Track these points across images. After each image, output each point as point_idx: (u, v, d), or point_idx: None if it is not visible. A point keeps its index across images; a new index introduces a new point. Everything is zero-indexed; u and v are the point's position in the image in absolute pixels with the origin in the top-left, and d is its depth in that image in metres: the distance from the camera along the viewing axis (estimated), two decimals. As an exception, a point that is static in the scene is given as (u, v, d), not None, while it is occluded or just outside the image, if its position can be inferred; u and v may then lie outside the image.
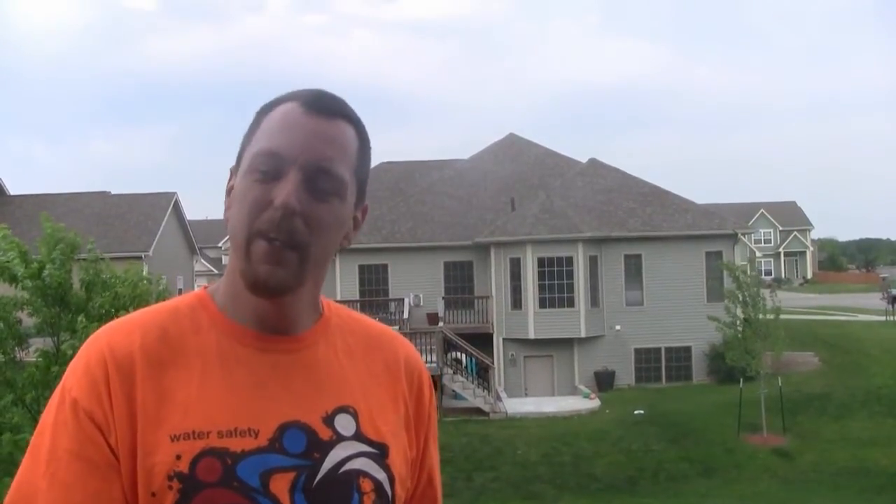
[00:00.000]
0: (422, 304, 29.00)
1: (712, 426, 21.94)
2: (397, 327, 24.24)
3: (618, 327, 28.30)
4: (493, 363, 25.99)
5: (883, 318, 36.81)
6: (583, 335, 27.70)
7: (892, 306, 37.38)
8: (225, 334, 1.14)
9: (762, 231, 71.90)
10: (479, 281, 29.52)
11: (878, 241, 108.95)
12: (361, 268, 29.29)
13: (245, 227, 1.09)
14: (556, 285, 27.57)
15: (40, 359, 10.47)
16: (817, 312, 40.44)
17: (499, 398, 25.31)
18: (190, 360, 1.11)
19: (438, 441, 1.36)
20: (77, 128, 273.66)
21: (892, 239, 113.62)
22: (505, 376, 27.72)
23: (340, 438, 1.12)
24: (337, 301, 1.31)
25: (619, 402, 25.29)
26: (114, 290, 11.06)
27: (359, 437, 1.14)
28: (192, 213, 40.90)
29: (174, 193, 35.16)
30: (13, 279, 10.78)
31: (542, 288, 27.58)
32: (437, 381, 23.34)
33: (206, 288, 1.22)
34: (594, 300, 28.08)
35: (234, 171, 1.17)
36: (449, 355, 24.87)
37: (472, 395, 24.55)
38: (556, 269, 27.60)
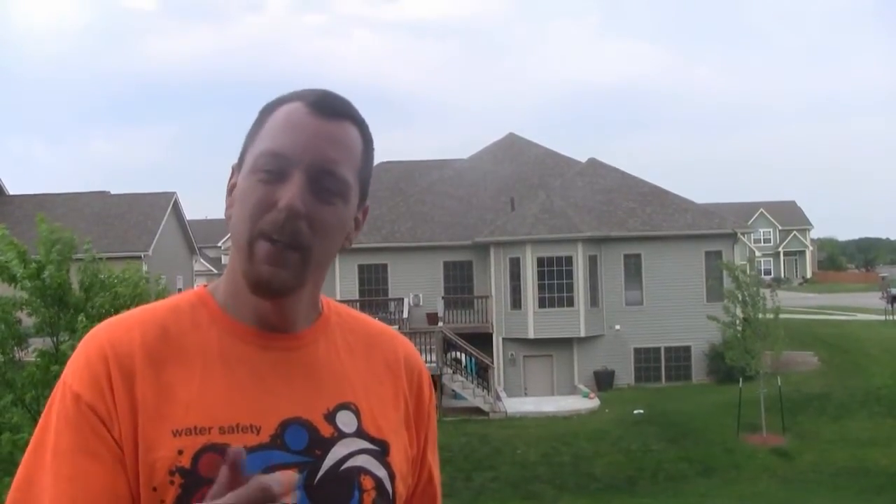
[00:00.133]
0: (421, 303, 29.01)
1: (712, 426, 21.94)
2: (397, 327, 24.19)
3: (617, 327, 28.31)
4: (492, 363, 26.00)
5: (882, 318, 36.81)
6: (582, 335, 27.71)
7: (892, 306, 37.40)
8: (226, 332, 1.14)
9: (762, 231, 71.92)
10: (478, 281, 29.53)
11: (878, 240, 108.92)
12: (361, 267, 29.28)
13: (248, 228, 1.09)
14: (556, 285, 27.57)
15: (39, 358, 10.48)
16: (817, 312, 40.46)
17: (498, 398, 25.31)
18: (191, 357, 1.11)
19: (438, 441, 1.36)
20: (77, 128, 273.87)
21: (892, 238, 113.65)
22: (504, 376, 27.73)
23: (342, 435, 1.12)
24: (336, 300, 1.31)
25: (618, 401, 25.29)
26: (113, 290, 11.07)
27: (360, 434, 1.14)
28: (191, 212, 40.94)
29: (173, 193, 35.17)
30: (12, 279, 10.79)
31: (541, 288, 27.59)
32: (436, 381, 23.34)
33: (205, 286, 1.21)
34: (594, 300, 28.08)
35: (235, 169, 1.17)
36: (448, 355, 24.88)
37: (472, 395, 24.56)
38: (555, 268, 27.60)
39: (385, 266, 29.54)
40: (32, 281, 10.69)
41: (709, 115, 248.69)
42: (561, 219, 27.98)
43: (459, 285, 29.63)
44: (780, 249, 74.20)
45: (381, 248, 29.11)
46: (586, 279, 27.69)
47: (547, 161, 33.90)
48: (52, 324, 11.04)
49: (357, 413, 1.16)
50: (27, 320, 11.42)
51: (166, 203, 34.28)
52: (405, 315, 28.13)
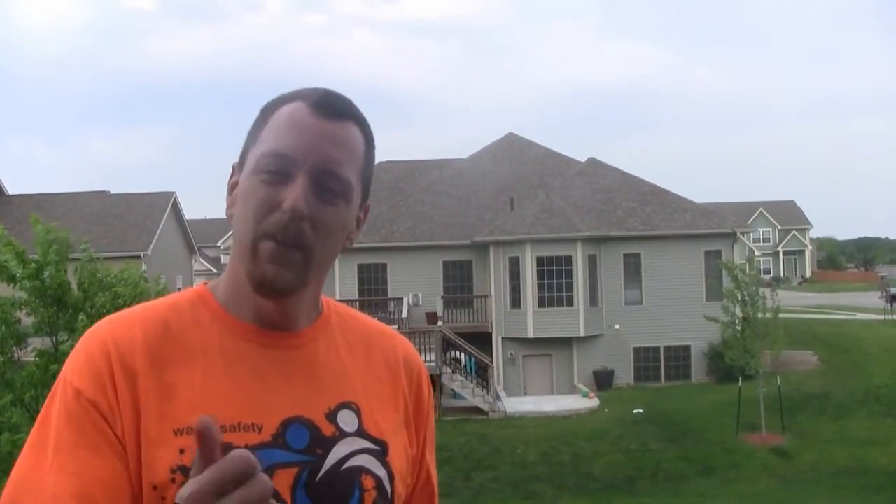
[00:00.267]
0: (421, 303, 29.01)
1: (711, 425, 21.95)
2: (396, 327, 24.24)
3: (617, 326, 28.31)
4: (492, 362, 26.00)
5: (882, 317, 36.82)
6: (582, 334, 27.71)
7: (891, 305, 37.40)
8: (226, 330, 1.14)
9: (761, 230, 71.94)
10: (478, 280, 29.52)
11: (877, 239, 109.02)
12: (360, 267, 29.28)
13: (252, 228, 1.09)
14: (556, 284, 27.57)
15: (38, 358, 10.49)
16: (816, 311, 40.48)
17: (498, 397, 25.31)
18: (192, 355, 1.11)
19: (437, 440, 1.36)
20: (76, 128, 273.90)
21: (891, 238, 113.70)
22: (504, 375, 27.73)
23: (343, 435, 1.13)
24: (336, 300, 1.31)
25: (617, 401, 25.29)
26: (114, 290, 11.07)
27: (361, 433, 1.14)
28: (190, 212, 40.95)
29: (173, 193, 35.15)
30: (11, 280, 10.80)
31: (541, 287, 27.59)
32: (436, 381, 23.35)
33: (205, 284, 1.21)
34: (593, 299, 28.08)
35: (236, 168, 1.17)
36: (448, 354, 24.88)
37: (471, 395, 24.56)
38: (555, 268, 27.60)
39: (384, 266, 29.54)
40: (32, 281, 10.70)
41: (709, 115, 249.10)
42: (560, 218, 27.99)
43: (459, 285, 29.63)
44: (780, 249, 74.22)
45: (380, 247, 29.10)
46: (586, 279, 27.69)
47: (546, 161, 33.89)
48: (51, 323, 11.05)
49: (358, 412, 1.16)
50: (26, 320, 11.42)
51: (166, 203, 34.27)
52: (405, 315, 28.12)
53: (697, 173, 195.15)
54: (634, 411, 23.87)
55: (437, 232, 29.98)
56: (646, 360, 28.55)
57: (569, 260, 27.57)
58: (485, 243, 28.54)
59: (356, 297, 28.43)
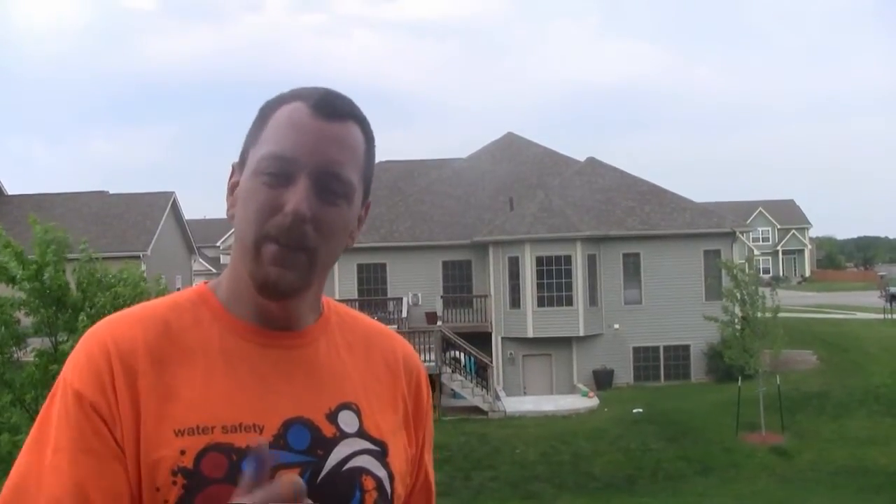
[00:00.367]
0: (420, 303, 29.00)
1: (711, 425, 21.95)
2: (396, 326, 24.25)
3: (616, 326, 28.31)
4: (491, 362, 26.00)
5: (881, 317, 36.83)
6: (581, 334, 27.71)
7: (891, 304, 37.41)
8: (227, 329, 1.13)
9: (760, 229, 71.91)
10: (477, 280, 29.52)
11: (877, 239, 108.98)
12: (360, 267, 29.27)
13: (254, 231, 1.09)
14: (555, 284, 27.57)
15: (38, 359, 10.48)
16: (815, 311, 40.47)
17: (497, 397, 25.31)
18: (193, 355, 1.10)
19: (436, 440, 1.37)
20: (76, 128, 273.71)
21: (891, 237, 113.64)
22: (503, 375, 27.73)
23: (344, 435, 1.12)
24: (336, 300, 1.31)
25: (617, 400, 25.30)
26: (114, 290, 11.07)
27: (361, 434, 1.14)
28: (190, 212, 40.92)
29: (172, 193, 35.14)
30: (11, 281, 10.80)
31: (540, 287, 27.59)
32: (435, 380, 23.35)
33: (206, 283, 1.21)
34: (593, 299, 28.08)
35: (237, 168, 1.17)
36: (447, 354, 24.88)
37: (471, 394, 24.56)
38: (554, 268, 27.60)
39: (384, 265, 29.53)
40: (32, 282, 10.70)
41: (709, 114, 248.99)
42: (560, 218, 27.98)
43: (458, 284, 29.63)
44: (779, 248, 74.23)
45: (380, 247, 29.09)
46: (585, 278, 27.69)
47: (546, 160, 33.88)
48: (50, 324, 11.05)
49: (358, 413, 1.16)
50: (25, 320, 11.42)
51: (165, 203, 34.26)
52: (404, 314, 28.12)
53: (697, 173, 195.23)
54: (634, 411, 23.87)
55: (437, 232, 29.98)
56: (645, 360, 28.55)
57: (568, 259, 27.57)
58: (484, 243, 28.54)
59: (356, 296, 28.42)
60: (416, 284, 29.20)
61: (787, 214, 75.33)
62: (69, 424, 1.04)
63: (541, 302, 27.57)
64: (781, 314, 22.59)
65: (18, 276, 10.65)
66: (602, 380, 27.52)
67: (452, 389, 24.72)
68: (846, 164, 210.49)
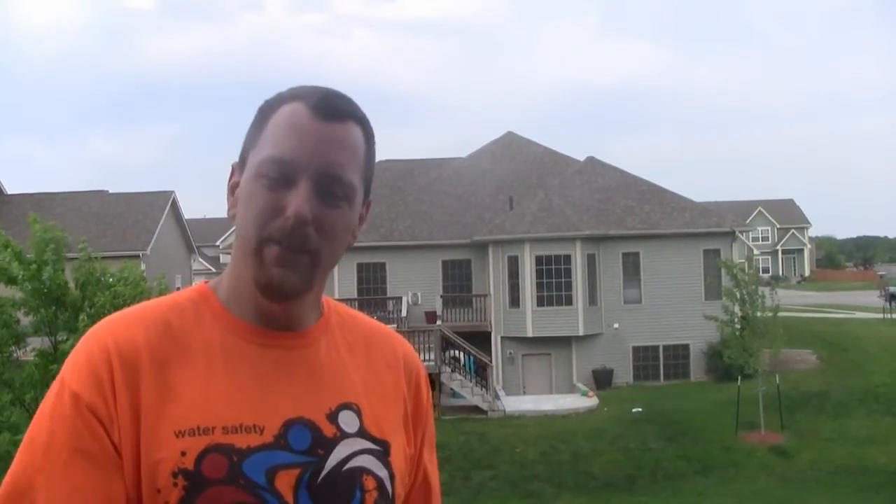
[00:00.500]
0: (420, 302, 29.00)
1: (710, 424, 21.95)
2: (395, 326, 24.25)
3: (616, 325, 28.31)
4: (491, 361, 26.01)
5: (881, 316, 36.85)
6: (581, 333, 27.71)
7: (890, 304, 37.44)
8: (228, 329, 1.13)
9: (760, 229, 71.93)
10: (477, 279, 29.52)
11: (876, 238, 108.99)
12: (360, 266, 29.28)
13: (255, 233, 1.09)
14: (555, 283, 27.57)
15: (38, 358, 10.48)
16: (815, 310, 40.48)
17: (497, 396, 25.31)
18: (193, 355, 1.10)
19: (436, 439, 1.36)
20: (76, 127, 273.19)
21: (890, 237, 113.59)
22: (503, 374, 27.73)
23: (344, 435, 1.12)
24: (335, 300, 1.31)
25: (617, 400, 25.30)
26: (113, 290, 11.07)
27: (362, 433, 1.14)
28: (189, 211, 40.92)
29: (172, 192, 35.14)
30: (11, 281, 10.79)
31: (540, 286, 27.59)
32: (435, 380, 23.35)
33: (206, 283, 1.21)
34: (592, 298, 28.08)
35: (236, 168, 1.16)
36: (447, 353, 24.87)
37: (471, 394, 24.56)
38: (554, 267, 27.60)
39: (384, 265, 29.53)
40: (32, 283, 10.70)
41: (708, 114, 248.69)
42: (559, 217, 27.99)
43: (458, 284, 29.63)
44: (779, 248, 74.25)
45: (379, 246, 29.10)
46: (585, 278, 27.69)
47: (545, 160, 33.88)
48: (50, 323, 11.04)
49: (359, 413, 1.16)
50: (24, 319, 11.41)
51: (164, 202, 34.25)
52: (404, 314, 28.12)
53: (696, 173, 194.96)
54: (633, 410, 23.87)
55: (437, 231, 29.98)
56: (645, 359, 28.56)
57: (568, 259, 27.57)
58: (484, 242, 28.54)
59: (355, 296, 28.43)
60: (415, 284, 29.20)
61: (787, 214, 75.35)
62: (65, 427, 1.03)
63: (540, 301, 27.57)
64: (781, 314, 22.59)
65: (20, 277, 10.65)
66: (601, 379, 27.52)
67: (452, 389, 24.72)
68: (846, 164, 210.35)
